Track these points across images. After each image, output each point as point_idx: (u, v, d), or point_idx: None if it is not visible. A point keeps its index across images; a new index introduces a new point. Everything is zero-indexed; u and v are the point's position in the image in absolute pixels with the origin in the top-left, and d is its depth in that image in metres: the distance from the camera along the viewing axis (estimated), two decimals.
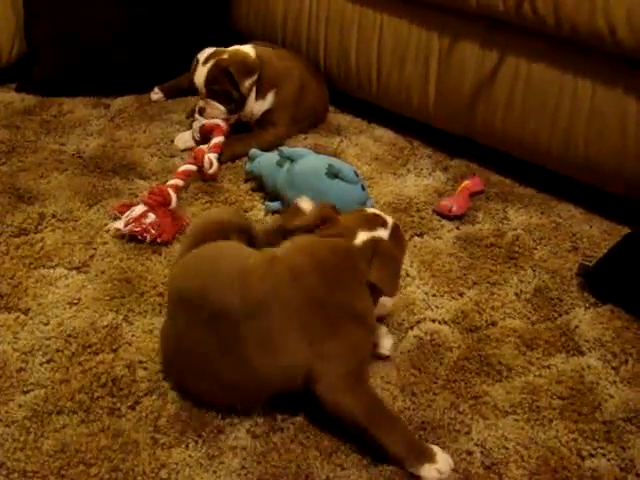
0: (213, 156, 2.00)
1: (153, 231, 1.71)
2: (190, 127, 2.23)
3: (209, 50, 2.16)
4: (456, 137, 2.26)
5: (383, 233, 1.41)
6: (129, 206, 1.77)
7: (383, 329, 1.51)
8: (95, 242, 1.75)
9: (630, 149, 1.85)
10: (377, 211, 1.49)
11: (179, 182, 1.88)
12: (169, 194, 1.79)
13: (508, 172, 2.17)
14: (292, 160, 1.88)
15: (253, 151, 2.00)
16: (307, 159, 1.86)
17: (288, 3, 2.48)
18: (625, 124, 1.84)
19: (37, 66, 2.45)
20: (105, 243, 1.75)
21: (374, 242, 1.38)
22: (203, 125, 2.14)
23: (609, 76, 1.85)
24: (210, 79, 2.10)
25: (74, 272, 1.66)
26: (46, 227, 1.80)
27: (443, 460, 1.26)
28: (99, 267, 1.67)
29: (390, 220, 1.45)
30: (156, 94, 2.48)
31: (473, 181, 2.06)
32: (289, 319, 1.28)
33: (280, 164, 1.90)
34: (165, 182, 1.94)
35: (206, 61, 2.11)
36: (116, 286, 1.62)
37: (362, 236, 1.38)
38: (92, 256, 1.71)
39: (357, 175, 1.82)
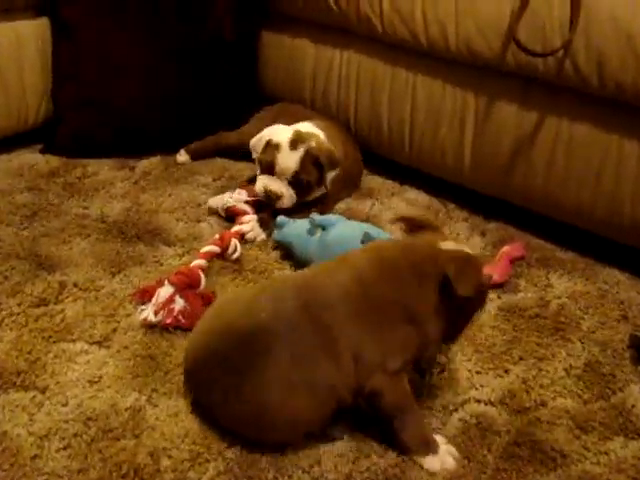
0: (237, 241, 1.90)
1: (184, 320, 1.60)
2: (219, 190, 2.19)
3: (285, 131, 2.04)
4: (491, 199, 2.17)
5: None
6: (148, 291, 1.65)
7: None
8: (118, 314, 1.67)
9: None
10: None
11: (203, 263, 1.78)
12: (199, 275, 1.69)
13: (548, 235, 2.07)
14: (324, 228, 1.79)
15: (281, 218, 1.92)
16: (340, 227, 1.78)
17: (317, 63, 2.43)
18: None
19: (61, 127, 2.41)
20: (128, 315, 1.66)
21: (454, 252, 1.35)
22: (230, 207, 2.06)
23: None
24: (302, 169, 1.99)
25: (95, 347, 1.57)
26: (67, 297, 1.71)
27: (445, 451, 1.33)
28: (121, 342, 1.58)
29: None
30: (182, 156, 2.42)
31: (513, 246, 1.95)
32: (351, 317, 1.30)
33: (311, 232, 1.81)
34: (190, 250, 1.89)
35: (294, 146, 1.99)
36: (139, 363, 1.52)
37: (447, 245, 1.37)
38: (114, 329, 1.62)
39: None
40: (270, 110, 2.45)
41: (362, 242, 1.68)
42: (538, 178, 1.98)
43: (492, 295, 1.80)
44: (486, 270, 1.80)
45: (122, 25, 2.34)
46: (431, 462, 1.31)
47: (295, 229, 1.87)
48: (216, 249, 1.82)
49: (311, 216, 1.85)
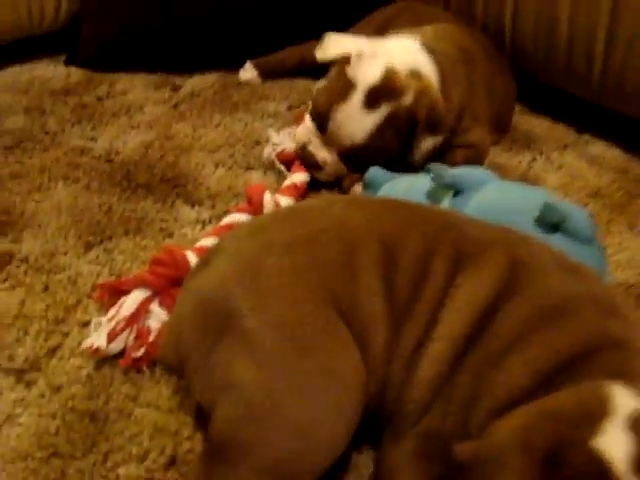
0: (285, 200, 1.13)
1: None
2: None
3: (378, 59, 1.19)
4: None
5: None
6: (120, 288, 0.93)
7: None
8: (68, 321, 0.95)
9: None
10: None
11: (214, 243, 1.00)
12: (187, 267, 0.93)
13: None
14: (459, 191, 0.97)
15: (373, 172, 1.12)
16: (493, 189, 0.95)
17: None
18: None
19: (85, 29, 1.72)
20: (85, 324, 0.94)
21: None
22: (283, 150, 1.29)
23: None
24: (371, 141, 1.18)
25: (10, 379, 0.87)
26: (3, 280, 1.02)
27: None
28: (55, 377, 0.87)
29: None
30: (248, 72, 1.66)
31: None
32: None
33: (434, 197, 0.98)
34: (224, 215, 1.14)
35: (371, 102, 1.17)
36: (69, 431, 0.80)
37: None
38: (53, 350, 0.91)
39: (594, 229, 0.91)
40: (384, 12, 1.64)
41: (538, 221, 0.89)
42: None
43: None
44: None
45: None
46: None
47: (402, 189, 1.05)
48: (244, 218, 1.06)
49: (433, 169, 1.03)
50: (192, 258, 0.94)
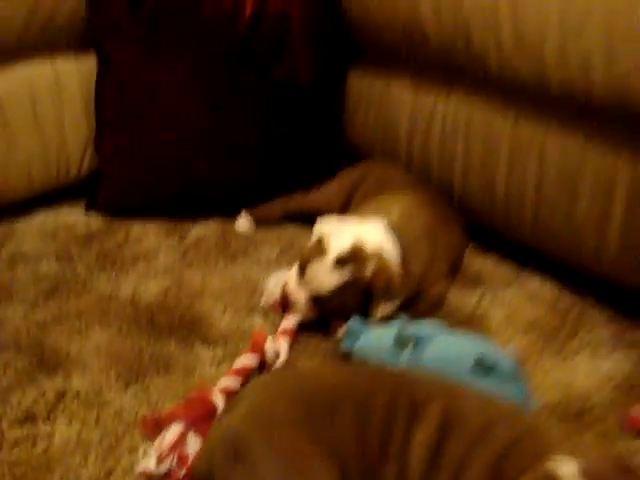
0: (283, 342, 1.42)
1: None
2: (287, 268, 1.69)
3: (345, 235, 1.50)
4: None
5: None
6: (160, 423, 1.20)
7: None
8: (119, 447, 1.21)
9: None
10: None
11: (232, 383, 1.30)
12: (213, 405, 1.23)
13: None
14: (418, 342, 1.29)
15: (354, 323, 1.42)
16: (442, 342, 1.27)
17: (416, 113, 1.94)
18: None
19: (105, 182, 2.04)
20: (132, 450, 1.20)
21: None
22: (275, 299, 1.59)
23: None
24: (336, 295, 1.49)
25: None
26: (62, 413, 1.28)
27: None
28: None
29: None
30: (243, 221, 1.98)
31: None
32: None
33: (399, 346, 1.30)
34: (235, 354, 1.42)
35: (340, 264, 1.47)
36: None
37: None
38: (109, 472, 1.16)
39: (519, 371, 1.23)
40: (352, 173, 1.98)
41: (474, 368, 1.20)
42: None
43: None
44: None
45: (173, 65, 1.96)
46: None
47: (374, 341, 1.37)
48: (251, 361, 1.35)
49: (399, 322, 1.36)
50: (218, 397, 1.23)
